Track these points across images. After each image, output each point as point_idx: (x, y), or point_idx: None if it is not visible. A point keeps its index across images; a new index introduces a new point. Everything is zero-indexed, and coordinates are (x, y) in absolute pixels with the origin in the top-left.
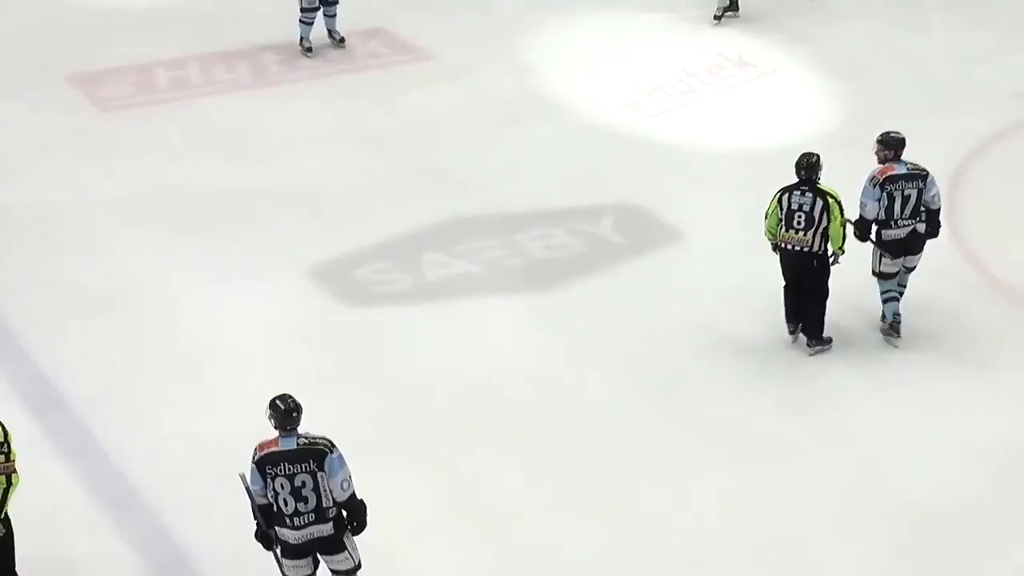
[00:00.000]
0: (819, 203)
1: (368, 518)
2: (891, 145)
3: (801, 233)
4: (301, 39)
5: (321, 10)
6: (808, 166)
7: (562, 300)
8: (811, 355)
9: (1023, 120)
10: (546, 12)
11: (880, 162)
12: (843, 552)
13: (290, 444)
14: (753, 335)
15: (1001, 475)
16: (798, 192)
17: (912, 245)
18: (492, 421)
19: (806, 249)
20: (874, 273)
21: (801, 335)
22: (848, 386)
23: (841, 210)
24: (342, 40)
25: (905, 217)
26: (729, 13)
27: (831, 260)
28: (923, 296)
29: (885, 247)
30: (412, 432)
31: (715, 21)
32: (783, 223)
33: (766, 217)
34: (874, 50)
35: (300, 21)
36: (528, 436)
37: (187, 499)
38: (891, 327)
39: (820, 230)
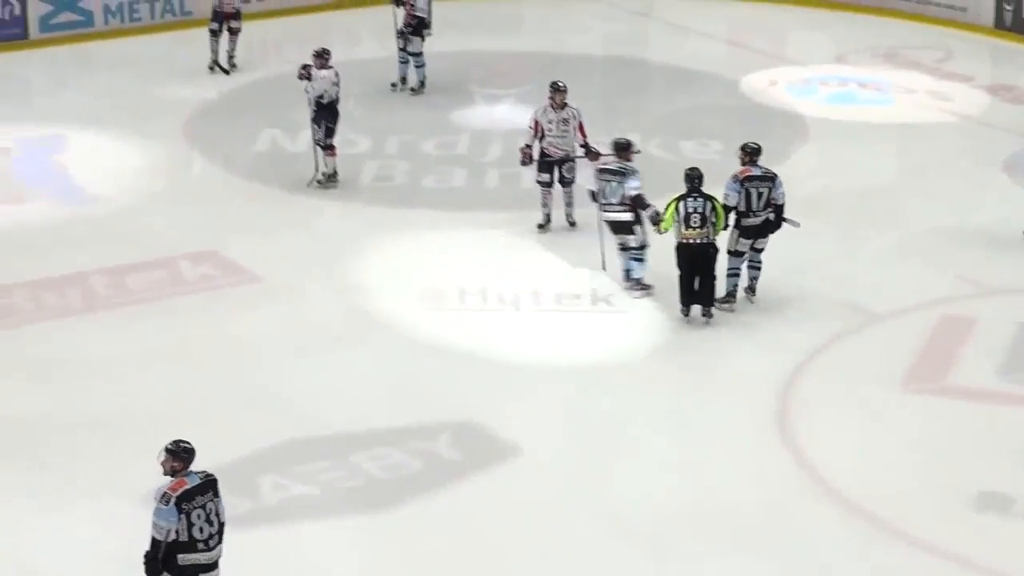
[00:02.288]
0: (708, 205)
1: None
2: (748, 152)
3: (697, 229)
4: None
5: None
6: (696, 176)
7: (403, 521)
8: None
9: (851, 328)
10: (373, 231)
11: (741, 165)
12: None
13: (194, 480)
14: (602, 550)
15: None
16: (691, 198)
17: (763, 231)
18: None
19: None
20: (729, 252)
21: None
22: None
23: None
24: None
25: (759, 209)
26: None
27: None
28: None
29: (743, 231)
30: None
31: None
32: (681, 224)
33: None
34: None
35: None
36: None
37: None
38: (729, 296)
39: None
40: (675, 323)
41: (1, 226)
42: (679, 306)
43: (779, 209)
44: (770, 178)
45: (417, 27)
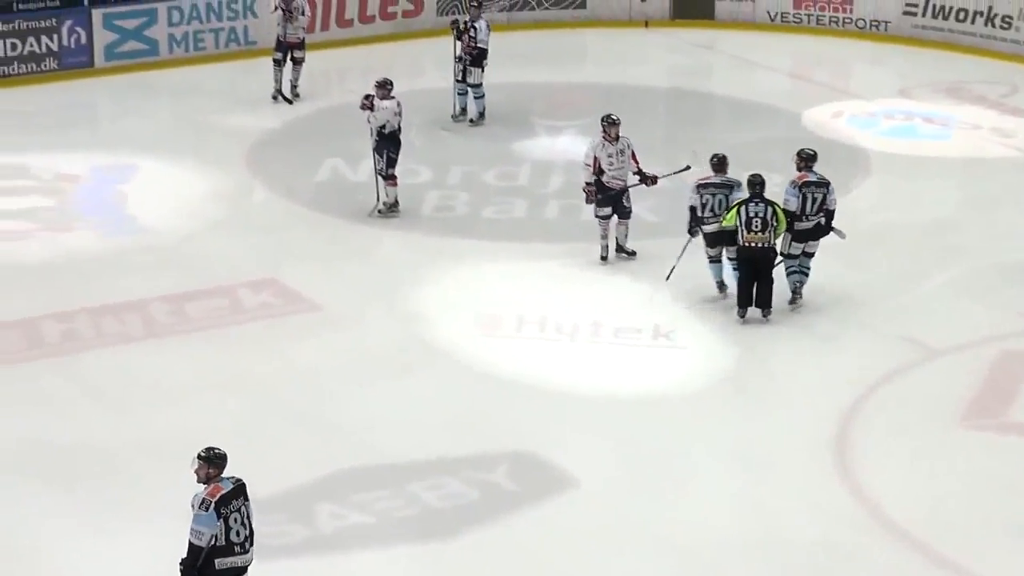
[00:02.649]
0: (769, 210)
1: None
2: (805, 158)
3: (759, 233)
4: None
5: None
6: (759, 183)
7: (459, 551)
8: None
9: (911, 362)
10: (433, 261)
11: (797, 171)
12: None
13: (227, 485)
14: None
15: None
16: (753, 203)
17: (815, 234)
18: None
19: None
20: (782, 254)
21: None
22: None
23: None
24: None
25: (812, 214)
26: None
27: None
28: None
29: (795, 235)
30: None
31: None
32: (744, 228)
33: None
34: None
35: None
36: None
37: None
38: (795, 294)
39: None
40: (733, 355)
41: (63, 252)
42: (736, 324)
43: (830, 215)
44: (825, 184)
45: (477, 57)
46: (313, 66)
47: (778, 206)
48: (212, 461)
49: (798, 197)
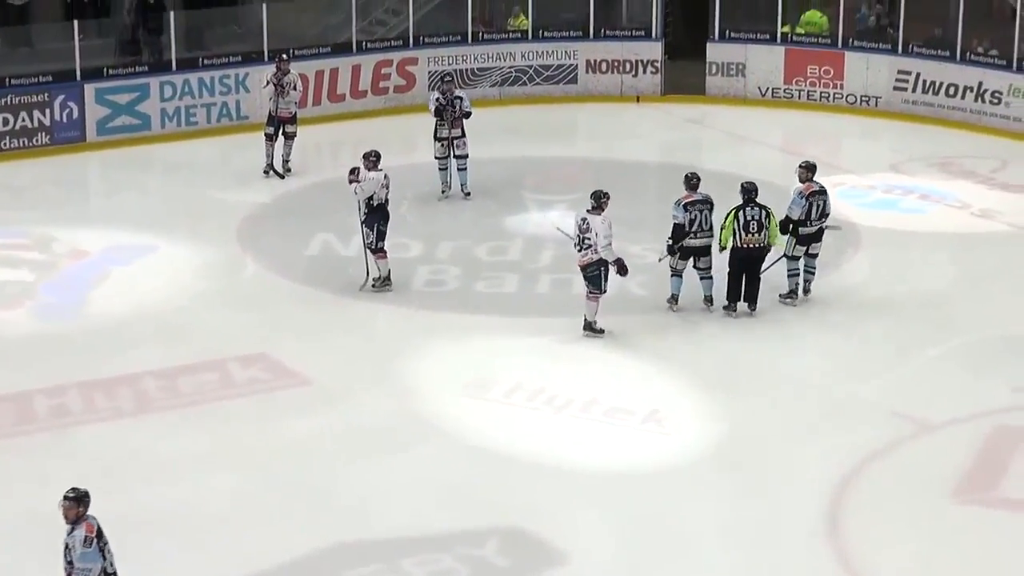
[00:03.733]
0: (763, 212)
1: None
2: (809, 168)
3: (755, 235)
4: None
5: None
6: (753, 189)
7: None
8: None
9: (904, 437)
10: (424, 336)
11: (801, 181)
12: None
13: (95, 520)
14: None
15: None
16: (748, 208)
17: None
18: None
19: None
20: (787, 256)
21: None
22: None
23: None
24: (468, 193)
25: (815, 219)
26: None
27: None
28: None
29: (799, 239)
30: None
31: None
32: (741, 230)
33: (721, 230)
34: (750, 369)
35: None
36: None
37: None
38: (791, 293)
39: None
40: (726, 430)
41: (54, 326)
42: (728, 400)
43: (826, 216)
44: (824, 191)
45: (462, 127)
46: (305, 141)
47: (771, 210)
48: (81, 500)
49: (803, 206)
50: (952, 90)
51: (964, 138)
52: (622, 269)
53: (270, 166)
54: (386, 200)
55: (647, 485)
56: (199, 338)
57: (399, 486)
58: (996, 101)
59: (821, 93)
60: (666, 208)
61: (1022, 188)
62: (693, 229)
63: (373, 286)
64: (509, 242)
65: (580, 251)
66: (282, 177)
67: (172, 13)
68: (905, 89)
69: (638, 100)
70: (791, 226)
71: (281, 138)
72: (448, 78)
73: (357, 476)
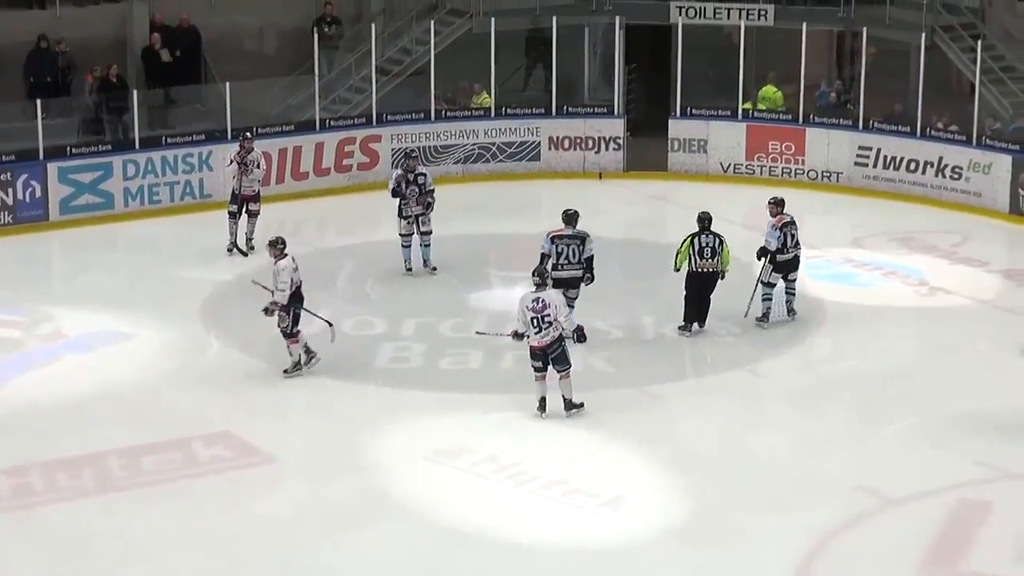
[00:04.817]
0: (716, 240)
1: None
2: (778, 203)
3: (709, 260)
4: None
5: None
6: (708, 219)
7: None
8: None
9: (868, 511)
10: (388, 413)
11: (772, 216)
12: None
13: None
14: None
15: None
16: (703, 236)
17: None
18: None
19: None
20: (763, 282)
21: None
22: None
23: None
24: (434, 269)
25: (791, 247)
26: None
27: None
28: None
29: (776, 266)
30: None
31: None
32: (696, 256)
33: (677, 254)
34: (715, 445)
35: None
36: None
37: None
38: (764, 316)
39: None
40: (690, 508)
41: (15, 405)
42: (690, 478)
43: (798, 246)
44: (794, 221)
45: (429, 204)
46: (268, 219)
47: (723, 238)
48: None
49: (779, 236)
50: (913, 165)
51: (925, 213)
52: (583, 336)
53: (234, 244)
54: (300, 282)
55: (611, 564)
56: (163, 417)
57: (365, 563)
58: (957, 176)
59: (783, 169)
60: (631, 285)
61: (983, 263)
62: (560, 262)
63: (286, 372)
64: (473, 318)
65: (539, 332)
66: (245, 255)
67: (135, 91)
68: (866, 165)
69: (600, 176)
70: (768, 255)
71: (245, 216)
72: (414, 153)
73: (323, 554)
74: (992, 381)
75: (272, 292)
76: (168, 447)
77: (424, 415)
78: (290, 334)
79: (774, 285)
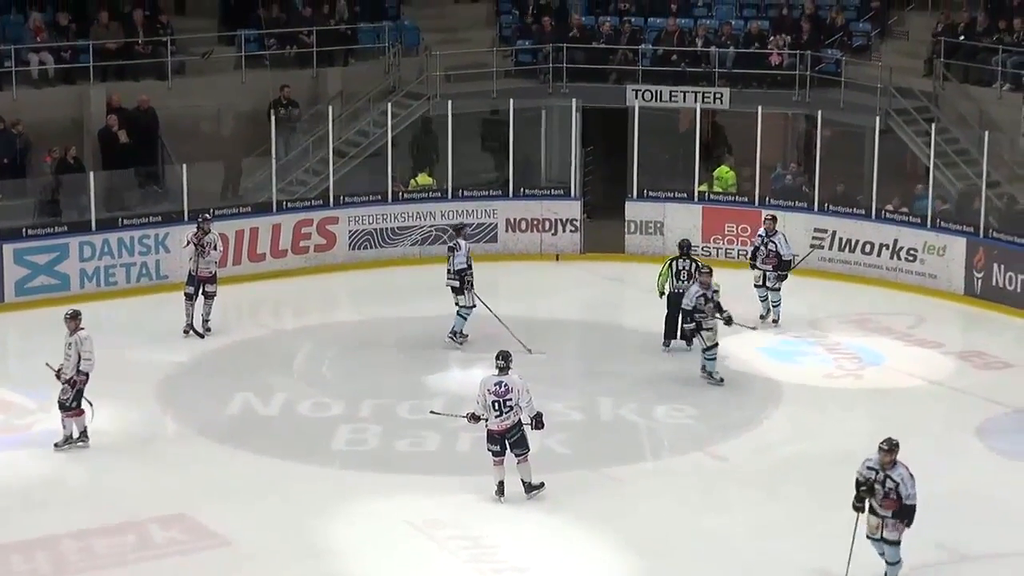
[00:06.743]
0: (692, 264)
1: None
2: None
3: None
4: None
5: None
6: (687, 245)
7: None
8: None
9: None
10: (345, 496)
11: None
12: None
13: None
14: None
15: None
16: (680, 259)
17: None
18: None
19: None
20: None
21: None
22: None
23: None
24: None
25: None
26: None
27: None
28: None
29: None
30: None
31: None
32: (674, 278)
33: (659, 277)
34: (672, 527)
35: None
36: None
37: None
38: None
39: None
40: None
41: None
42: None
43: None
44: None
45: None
46: (225, 300)
47: (700, 262)
48: None
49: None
50: (868, 247)
51: (880, 295)
52: (540, 423)
53: (190, 326)
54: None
55: None
56: (118, 499)
57: None
58: (912, 258)
59: (739, 251)
60: (588, 366)
61: (938, 344)
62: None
63: (56, 445)
64: (431, 400)
65: (499, 416)
66: (202, 337)
67: (92, 173)
68: (822, 247)
69: (558, 258)
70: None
71: (201, 298)
72: (459, 226)
73: None
74: (948, 463)
75: (56, 372)
76: (123, 530)
77: (381, 498)
78: (69, 407)
79: (779, 290)
